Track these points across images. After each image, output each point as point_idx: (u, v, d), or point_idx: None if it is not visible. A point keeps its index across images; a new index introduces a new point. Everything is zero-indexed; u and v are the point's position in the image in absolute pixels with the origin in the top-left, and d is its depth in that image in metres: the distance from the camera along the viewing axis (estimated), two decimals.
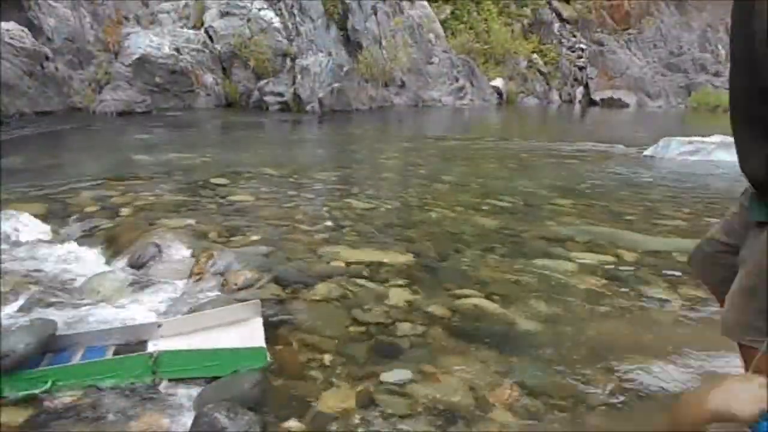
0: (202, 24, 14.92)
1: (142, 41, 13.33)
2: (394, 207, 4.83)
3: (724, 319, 1.54)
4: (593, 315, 2.77)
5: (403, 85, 16.81)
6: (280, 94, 14.02)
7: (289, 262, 3.30)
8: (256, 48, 14.48)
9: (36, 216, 4.13)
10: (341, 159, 7.89)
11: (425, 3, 18.12)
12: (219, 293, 2.97)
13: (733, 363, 2.35)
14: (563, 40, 23.53)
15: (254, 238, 3.70)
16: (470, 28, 20.21)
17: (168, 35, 13.92)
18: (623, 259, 3.60)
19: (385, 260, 3.35)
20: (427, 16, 17.72)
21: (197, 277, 3.19)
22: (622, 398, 2.06)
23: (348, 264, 3.27)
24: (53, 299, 2.96)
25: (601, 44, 23.23)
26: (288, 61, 15.03)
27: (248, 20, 14.92)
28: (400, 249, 3.54)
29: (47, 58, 11.45)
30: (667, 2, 23.69)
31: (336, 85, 14.16)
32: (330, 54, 15.53)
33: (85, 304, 2.91)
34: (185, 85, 13.63)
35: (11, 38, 10.46)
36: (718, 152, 8.13)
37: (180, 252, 3.47)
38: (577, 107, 21.59)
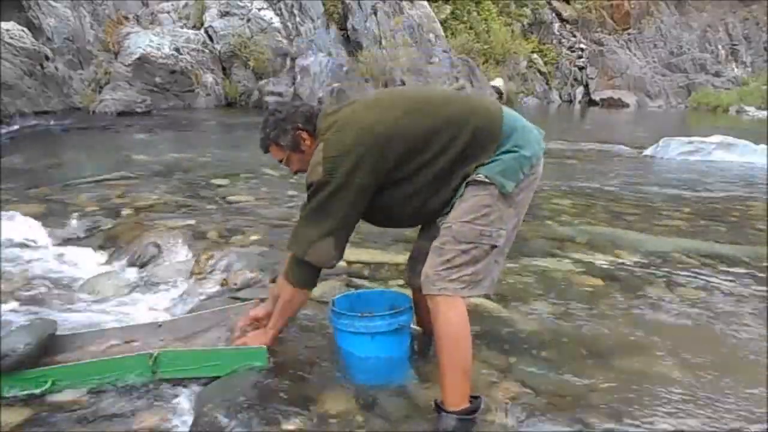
0: (202, 24, 14.93)
1: (142, 41, 13.33)
2: None
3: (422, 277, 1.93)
4: (593, 315, 2.77)
5: (403, 85, 16.80)
6: (280, 94, 14.02)
7: None
8: (256, 48, 14.48)
9: (36, 216, 4.13)
10: None
11: (425, 3, 18.10)
12: (219, 293, 2.97)
13: (733, 360, 2.36)
14: (563, 40, 23.53)
15: (254, 238, 3.70)
16: (470, 28, 20.19)
17: (168, 35, 13.92)
18: (623, 259, 3.60)
19: (385, 260, 3.35)
20: (427, 16, 17.70)
21: (197, 276, 3.19)
22: (622, 398, 2.06)
23: (348, 263, 3.27)
24: (53, 299, 2.96)
25: (601, 44, 23.23)
26: (288, 61, 15.04)
27: (248, 20, 14.93)
28: (400, 249, 3.54)
29: (47, 58, 11.44)
30: (667, 2, 23.69)
31: (336, 85, 14.16)
32: (330, 54, 15.53)
33: (85, 304, 2.91)
34: (185, 85, 13.63)
35: (11, 38, 10.46)
36: (718, 152, 8.13)
37: (180, 252, 3.47)
38: (577, 107, 21.58)
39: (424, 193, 1.97)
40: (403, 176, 1.95)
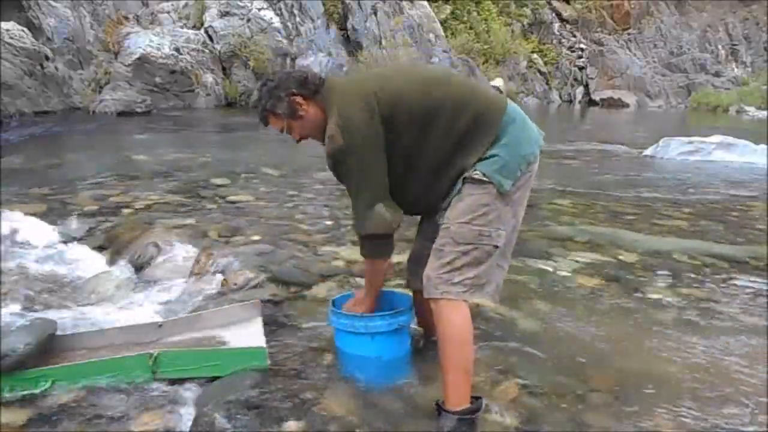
0: (202, 24, 14.93)
1: (142, 41, 13.34)
2: None
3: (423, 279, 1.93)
4: (593, 315, 2.77)
5: None
6: None
7: (289, 262, 3.30)
8: (256, 48, 14.49)
9: (36, 216, 4.13)
10: None
11: (425, 3, 18.11)
12: (219, 293, 2.97)
13: (733, 360, 2.35)
14: (563, 40, 23.54)
15: (254, 238, 3.70)
16: (470, 28, 20.20)
17: (168, 35, 13.93)
18: (623, 259, 3.60)
19: None
20: (427, 16, 17.71)
21: (197, 276, 3.19)
22: (622, 398, 2.06)
23: (348, 263, 3.27)
24: (53, 299, 2.96)
25: (601, 44, 23.23)
26: (288, 61, 15.04)
27: (248, 20, 14.93)
28: (399, 248, 3.53)
29: (47, 58, 11.44)
30: (667, 2, 23.69)
31: None
32: (330, 54, 15.54)
33: (85, 304, 2.91)
34: (185, 85, 13.64)
35: (11, 38, 10.46)
36: (718, 152, 8.14)
37: (180, 252, 3.47)
38: (577, 107, 21.59)
39: (426, 177, 1.96)
40: (407, 147, 1.92)
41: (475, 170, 1.88)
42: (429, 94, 1.92)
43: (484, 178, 1.87)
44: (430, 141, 1.91)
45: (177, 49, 13.62)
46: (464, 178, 1.90)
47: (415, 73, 2.07)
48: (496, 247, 1.90)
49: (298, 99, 1.98)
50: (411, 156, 1.94)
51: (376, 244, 2.02)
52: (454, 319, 1.86)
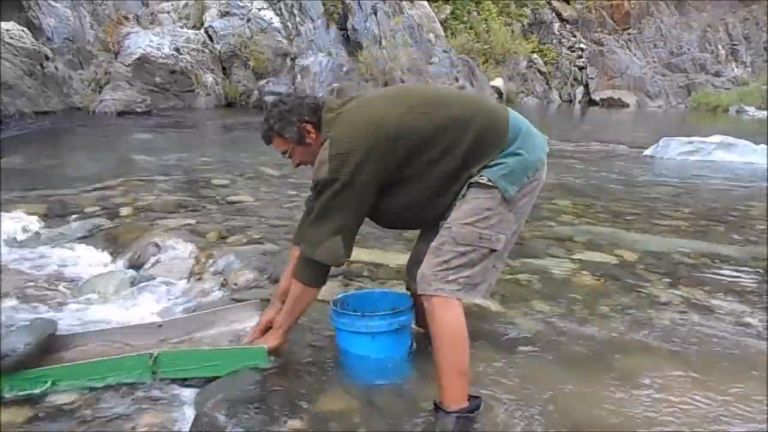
0: (202, 24, 14.94)
1: (142, 41, 13.35)
2: None
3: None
4: (593, 315, 2.77)
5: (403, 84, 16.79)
6: (280, 94, 14.02)
7: None
8: (256, 48, 14.49)
9: (36, 216, 4.13)
10: None
11: (425, 3, 18.10)
12: (219, 293, 2.97)
13: (733, 360, 2.36)
14: (563, 40, 23.54)
15: (254, 237, 3.70)
16: (470, 28, 20.21)
17: (168, 35, 13.94)
18: (623, 259, 3.60)
19: (385, 260, 3.35)
20: (427, 16, 17.70)
21: (197, 277, 3.19)
22: (622, 398, 2.06)
23: (348, 263, 3.26)
24: (53, 299, 2.96)
25: (601, 44, 23.24)
26: (288, 60, 15.04)
27: (248, 20, 14.94)
28: (400, 249, 3.53)
29: (47, 58, 11.44)
30: (667, 2, 23.69)
31: (336, 84, 14.18)
32: (330, 54, 15.53)
33: (85, 304, 2.91)
34: (185, 85, 13.64)
35: (11, 38, 10.45)
36: (718, 152, 8.14)
37: (180, 252, 3.47)
38: (577, 107, 21.59)
39: (429, 195, 1.96)
40: (408, 175, 1.94)
41: (481, 175, 1.89)
42: (432, 118, 1.92)
43: (490, 183, 1.88)
44: (436, 162, 1.92)
45: (177, 49, 13.62)
46: (470, 183, 1.91)
47: (416, 96, 2.03)
48: (494, 250, 1.90)
49: (308, 127, 2.01)
50: (416, 179, 1.95)
51: (317, 271, 2.03)
52: (447, 318, 1.87)
